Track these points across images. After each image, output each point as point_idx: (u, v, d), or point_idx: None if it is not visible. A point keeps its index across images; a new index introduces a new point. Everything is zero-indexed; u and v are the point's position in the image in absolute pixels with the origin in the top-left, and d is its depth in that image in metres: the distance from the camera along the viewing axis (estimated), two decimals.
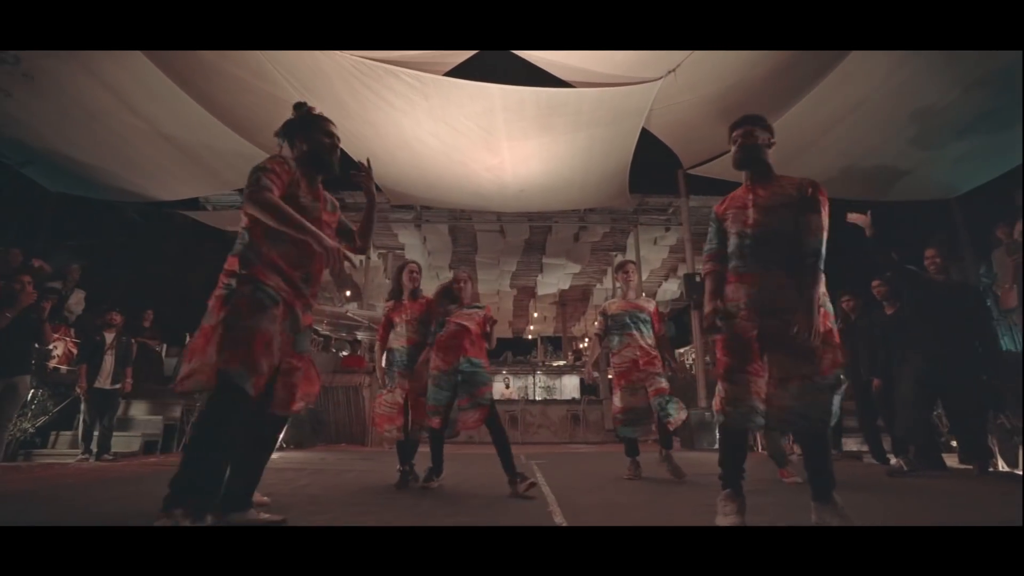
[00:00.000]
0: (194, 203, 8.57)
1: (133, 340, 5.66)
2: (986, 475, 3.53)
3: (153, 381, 6.69)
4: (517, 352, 15.83)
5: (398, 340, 3.37)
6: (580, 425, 9.06)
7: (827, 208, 1.95)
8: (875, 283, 4.46)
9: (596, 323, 3.87)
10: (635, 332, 3.61)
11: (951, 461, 4.08)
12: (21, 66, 4.19)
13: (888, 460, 4.34)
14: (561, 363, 14.06)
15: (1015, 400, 3.92)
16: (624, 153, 6.59)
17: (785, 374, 1.85)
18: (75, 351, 5.80)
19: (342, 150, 2.21)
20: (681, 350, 12.25)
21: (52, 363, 5.52)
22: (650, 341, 3.63)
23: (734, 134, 2.09)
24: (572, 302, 14.11)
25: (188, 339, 7.95)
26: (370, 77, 5.12)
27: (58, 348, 5.61)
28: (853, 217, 3.52)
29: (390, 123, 5.86)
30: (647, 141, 6.47)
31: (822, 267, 1.89)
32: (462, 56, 5.33)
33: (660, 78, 5.29)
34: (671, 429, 3.50)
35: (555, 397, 11.99)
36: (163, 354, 7.54)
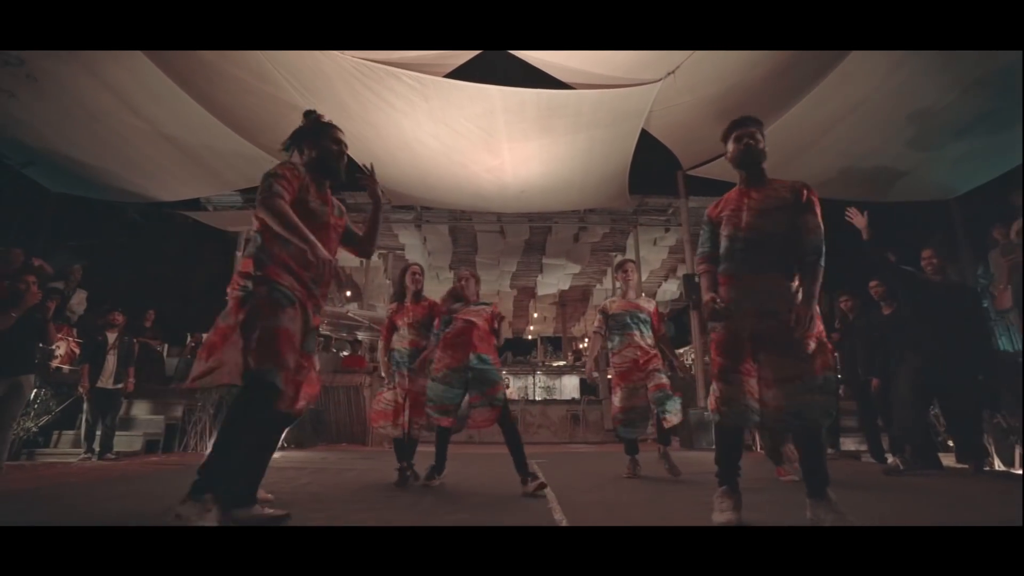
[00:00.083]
0: (195, 203, 8.58)
1: (135, 340, 5.69)
2: (981, 474, 3.55)
3: (155, 381, 6.71)
4: (517, 352, 15.85)
5: (400, 342, 3.40)
6: (580, 425, 9.08)
7: (819, 209, 1.98)
8: (872, 283, 4.49)
9: (596, 321, 3.85)
10: (635, 332, 3.62)
11: (948, 460, 4.10)
12: (25, 67, 4.21)
13: (886, 459, 4.36)
14: (561, 363, 14.07)
15: (1012, 400, 3.95)
16: (624, 154, 6.62)
17: (779, 375, 1.88)
18: (77, 351, 5.83)
19: None
20: (681, 350, 12.27)
21: (54, 363, 5.54)
22: (650, 341, 3.64)
23: (737, 132, 2.09)
24: (572, 302, 14.13)
25: (189, 339, 7.99)
26: (371, 79, 5.14)
27: (60, 348, 5.64)
28: (852, 212, 3.54)
29: (391, 124, 5.89)
30: (647, 142, 6.49)
31: (823, 264, 1.92)
32: (463, 58, 5.36)
33: (659, 80, 5.31)
34: (666, 427, 3.50)
35: (555, 397, 12.00)
36: (164, 354, 7.56)
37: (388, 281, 10.59)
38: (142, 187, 6.97)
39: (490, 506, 2.46)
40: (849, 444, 5.75)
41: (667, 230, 9.73)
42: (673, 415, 3.44)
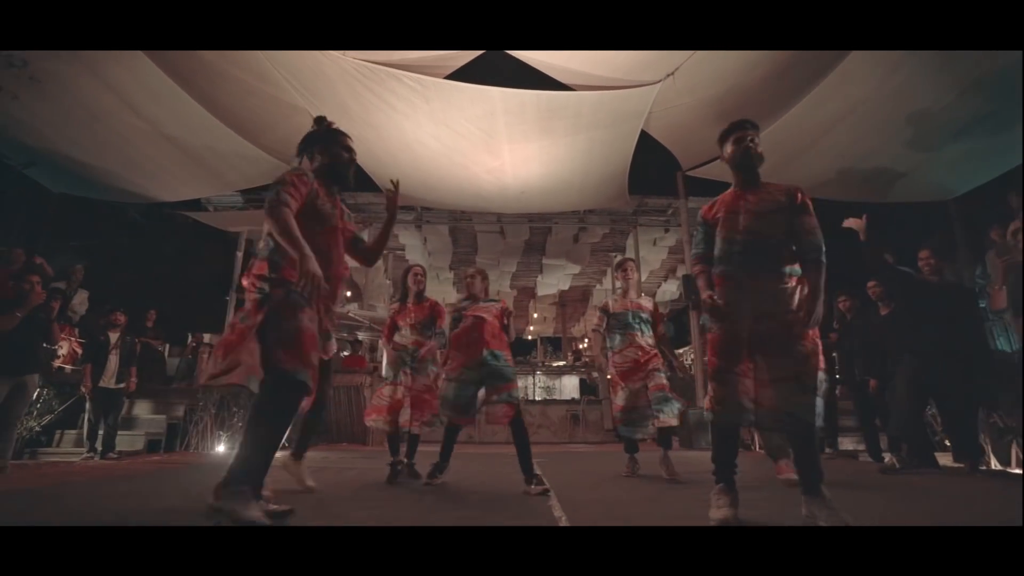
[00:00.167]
0: (195, 204, 8.60)
1: (136, 340, 5.72)
2: (976, 473, 3.58)
3: (156, 381, 6.75)
4: (517, 352, 15.84)
5: (403, 340, 3.44)
6: (580, 425, 9.09)
7: (812, 208, 2.04)
8: (870, 284, 4.52)
9: (596, 319, 3.82)
10: (637, 332, 3.61)
11: (946, 460, 4.13)
12: (28, 69, 4.24)
13: (883, 458, 4.39)
14: (561, 363, 14.09)
15: (1009, 400, 3.98)
16: (623, 155, 6.65)
17: (774, 375, 1.91)
18: (79, 351, 5.86)
19: None
20: (680, 350, 12.30)
21: (57, 362, 5.58)
22: (650, 340, 3.63)
23: (736, 135, 2.11)
24: (572, 303, 14.16)
25: (190, 339, 8.02)
26: (372, 80, 5.17)
27: (63, 348, 5.67)
28: (849, 222, 3.58)
29: (392, 125, 5.91)
30: (646, 143, 6.52)
31: (825, 261, 1.95)
32: (463, 59, 5.39)
33: (659, 81, 5.34)
34: (657, 425, 3.43)
35: (555, 397, 12.02)
36: (166, 354, 7.59)
37: (388, 281, 10.61)
38: (143, 187, 7.00)
39: (490, 505, 2.48)
40: (847, 444, 5.78)
41: (667, 230, 9.76)
42: (669, 416, 3.40)
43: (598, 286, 12.72)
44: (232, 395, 6.22)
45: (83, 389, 5.17)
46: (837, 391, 5.05)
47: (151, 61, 4.71)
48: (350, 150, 2.18)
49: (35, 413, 5.16)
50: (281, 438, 1.83)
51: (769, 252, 1.98)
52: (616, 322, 3.69)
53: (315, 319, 1.91)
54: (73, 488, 2.97)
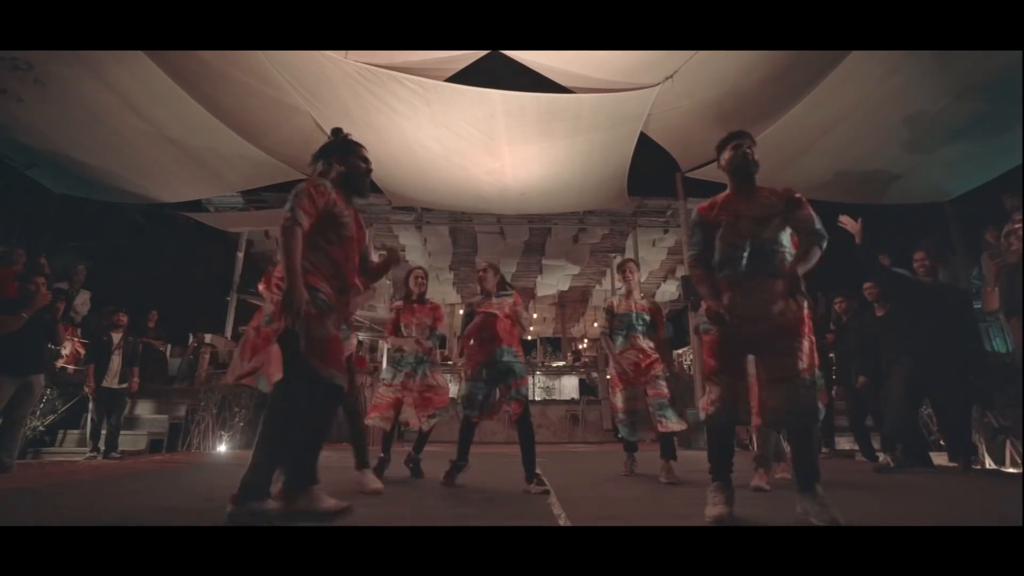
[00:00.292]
0: (196, 205, 8.64)
1: (139, 340, 5.75)
2: (970, 472, 3.62)
3: (158, 381, 6.78)
4: None
5: (404, 341, 3.50)
6: (579, 425, 9.14)
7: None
8: (866, 285, 4.57)
9: (604, 322, 3.80)
10: (638, 334, 3.61)
11: (942, 459, 4.18)
12: (33, 72, 4.28)
13: (877, 457, 4.44)
14: (560, 364, 14.13)
15: (1003, 400, 4.03)
16: (623, 157, 6.68)
17: (771, 376, 1.96)
18: (82, 351, 5.89)
19: None
20: (679, 351, 12.34)
21: (60, 363, 5.61)
22: (651, 343, 3.63)
23: (735, 142, 2.19)
24: (571, 303, 14.19)
25: (191, 339, 8.04)
26: (373, 83, 5.21)
27: (66, 348, 5.70)
28: (845, 222, 3.62)
29: (393, 128, 5.95)
30: (645, 145, 6.56)
31: (822, 247, 2.03)
32: (464, 62, 5.42)
33: (658, 84, 5.38)
34: (662, 431, 3.40)
35: (554, 397, 12.06)
36: (167, 354, 7.62)
37: (389, 282, 10.64)
38: (144, 188, 7.03)
39: (490, 505, 2.51)
40: (844, 443, 5.83)
41: (666, 231, 9.80)
42: (672, 421, 3.39)
43: (597, 287, 12.76)
44: (234, 395, 6.26)
45: (86, 389, 5.20)
46: (833, 392, 5.09)
47: (153, 63, 4.74)
48: (366, 160, 2.25)
49: (38, 412, 5.18)
50: (324, 438, 1.98)
51: (768, 256, 2.04)
52: (619, 323, 3.68)
53: (337, 324, 1.99)
54: (79, 487, 3.01)
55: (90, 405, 5.30)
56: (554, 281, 12.27)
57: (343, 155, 2.19)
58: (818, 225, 2.05)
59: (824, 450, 5.09)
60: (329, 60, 4.92)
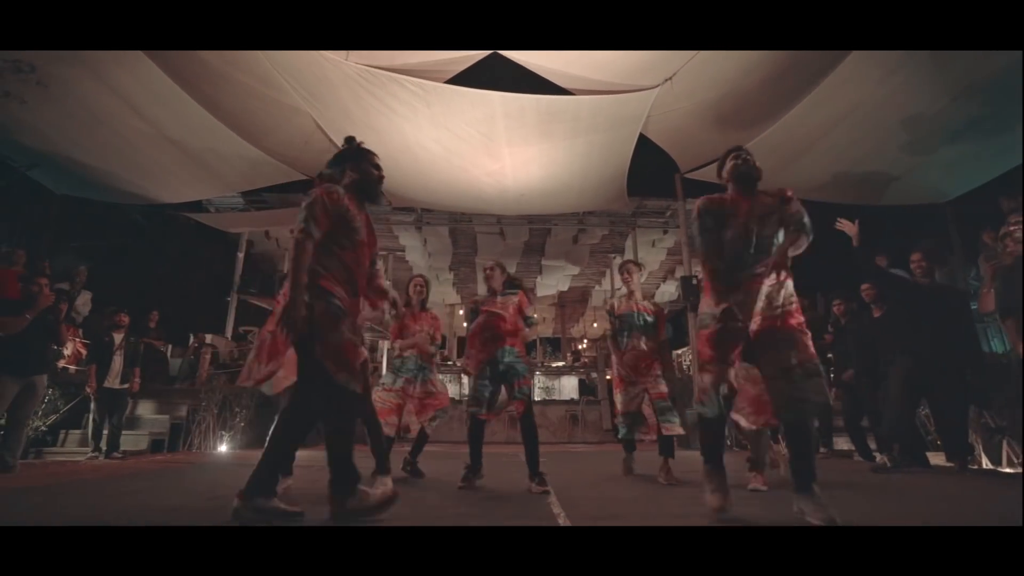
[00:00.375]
0: (197, 205, 8.65)
1: (140, 340, 5.77)
2: (966, 472, 3.64)
3: (159, 381, 6.79)
4: None
5: (418, 338, 3.62)
6: (579, 425, 9.16)
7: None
8: (864, 287, 4.59)
9: (608, 325, 3.82)
10: (639, 334, 3.61)
11: (939, 459, 4.19)
12: (36, 74, 4.29)
13: (874, 457, 4.46)
14: (560, 364, 14.15)
15: (1000, 400, 4.05)
16: (622, 158, 6.70)
17: (780, 366, 2.00)
18: (83, 351, 5.91)
19: None
20: (679, 351, 12.35)
21: (61, 363, 5.62)
22: (652, 344, 3.63)
23: (736, 153, 2.29)
24: (571, 304, 14.22)
25: (192, 339, 8.05)
26: (374, 84, 5.22)
27: (67, 348, 5.71)
28: (842, 224, 3.64)
29: (393, 129, 5.97)
30: (645, 146, 6.58)
31: (808, 236, 2.11)
32: (464, 64, 5.44)
33: (657, 86, 5.40)
34: (665, 434, 3.42)
35: (554, 398, 12.08)
36: (168, 354, 7.63)
37: (389, 282, 10.65)
38: (145, 189, 7.05)
39: (490, 504, 2.53)
40: (842, 443, 5.84)
41: (665, 232, 9.82)
42: (674, 426, 3.41)
43: (597, 287, 12.78)
44: (235, 395, 6.28)
45: (88, 389, 5.21)
46: (832, 392, 5.11)
47: (153, 64, 4.76)
48: (379, 167, 2.31)
49: (40, 413, 5.20)
50: (352, 432, 2.02)
51: (768, 254, 2.11)
52: (621, 324, 3.69)
53: (352, 328, 2.02)
54: (81, 487, 3.03)
55: (92, 405, 5.31)
56: (554, 282, 12.29)
57: (357, 162, 2.24)
58: (806, 219, 2.14)
59: (822, 450, 5.11)
60: (329, 61, 4.94)
